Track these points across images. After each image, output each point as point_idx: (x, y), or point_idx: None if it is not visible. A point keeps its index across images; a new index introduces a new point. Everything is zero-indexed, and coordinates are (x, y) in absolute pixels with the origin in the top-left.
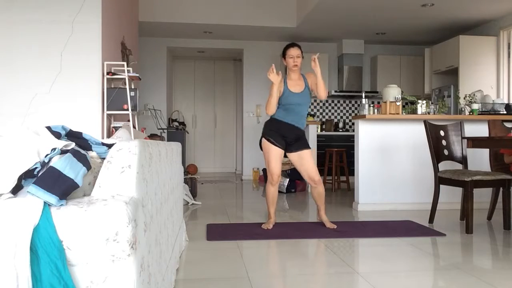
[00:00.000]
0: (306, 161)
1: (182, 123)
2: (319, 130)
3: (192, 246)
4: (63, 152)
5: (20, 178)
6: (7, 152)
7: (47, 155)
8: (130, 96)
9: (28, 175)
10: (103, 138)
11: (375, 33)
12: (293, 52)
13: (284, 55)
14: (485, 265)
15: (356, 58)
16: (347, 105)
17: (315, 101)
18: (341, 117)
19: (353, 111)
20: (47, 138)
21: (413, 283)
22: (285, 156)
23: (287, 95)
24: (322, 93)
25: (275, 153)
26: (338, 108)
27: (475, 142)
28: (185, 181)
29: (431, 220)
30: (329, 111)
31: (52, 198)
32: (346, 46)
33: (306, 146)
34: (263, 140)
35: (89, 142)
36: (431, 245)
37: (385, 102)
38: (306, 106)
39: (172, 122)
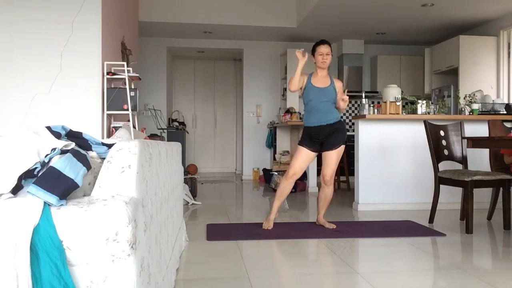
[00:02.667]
0: (327, 161)
1: (182, 123)
2: None
3: (192, 246)
4: (63, 152)
5: (20, 178)
6: (7, 152)
7: (47, 155)
8: (130, 96)
9: (28, 175)
10: (103, 138)
11: (375, 33)
12: (324, 49)
13: (313, 51)
14: (485, 265)
15: (356, 58)
16: (347, 105)
17: None
18: (341, 117)
19: (353, 111)
20: (47, 138)
21: (413, 283)
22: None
23: (309, 89)
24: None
25: (301, 152)
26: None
27: (475, 142)
28: (185, 181)
29: (431, 220)
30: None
31: (52, 198)
32: (346, 46)
33: (332, 147)
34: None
35: (89, 142)
36: (431, 245)
37: (385, 102)
38: (330, 101)
39: (172, 122)
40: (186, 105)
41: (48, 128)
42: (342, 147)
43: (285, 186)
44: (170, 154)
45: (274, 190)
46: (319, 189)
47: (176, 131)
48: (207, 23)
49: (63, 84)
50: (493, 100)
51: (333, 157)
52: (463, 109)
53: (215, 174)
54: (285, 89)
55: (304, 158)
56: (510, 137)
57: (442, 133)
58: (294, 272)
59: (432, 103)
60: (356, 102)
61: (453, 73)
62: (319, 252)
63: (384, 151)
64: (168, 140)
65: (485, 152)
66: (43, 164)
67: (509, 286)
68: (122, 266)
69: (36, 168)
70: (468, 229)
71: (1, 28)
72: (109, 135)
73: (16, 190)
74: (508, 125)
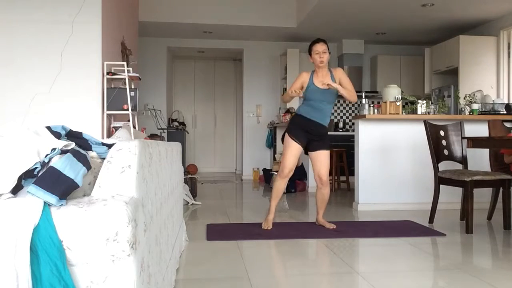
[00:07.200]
0: (320, 161)
1: (182, 123)
2: None
3: (192, 246)
4: (63, 152)
5: (20, 178)
6: (7, 152)
7: (47, 155)
8: (130, 96)
9: (28, 175)
10: (103, 138)
11: (375, 33)
12: (319, 47)
13: (310, 51)
14: (485, 265)
15: (356, 58)
16: (347, 105)
17: None
18: (341, 117)
19: (353, 111)
20: (47, 138)
21: (413, 283)
22: (306, 153)
23: (312, 90)
24: (350, 99)
25: (292, 148)
26: (338, 108)
27: (475, 142)
28: (185, 181)
29: (431, 220)
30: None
31: (52, 198)
32: (346, 46)
33: (325, 147)
34: (286, 134)
35: (89, 142)
36: (431, 245)
37: (385, 102)
38: (330, 104)
39: (172, 122)
40: (186, 105)
41: (48, 128)
42: None
43: (280, 184)
44: (170, 154)
45: None
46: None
47: (176, 131)
48: (207, 23)
49: (63, 84)
50: (493, 100)
51: (327, 157)
52: (463, 109)
53: (215, 174)
54: (285, 89)
55: (294, 152)
56: (510, 137)
57: (442, 133)
58: (294, 272)
59: (432, 103)
60: (356, 102)
61: (453, 73)
62: (319, 252)
63: (384, 151)
64: (168, 140)
65: (485, 152)
66: (43, 164)
67: (509, 286)
68: (122, 266)
69: (36, 168)
70: (468, 229)
71: (1, 28)
72: (109, 135)
73: (16, 190)
74: (508, 125)
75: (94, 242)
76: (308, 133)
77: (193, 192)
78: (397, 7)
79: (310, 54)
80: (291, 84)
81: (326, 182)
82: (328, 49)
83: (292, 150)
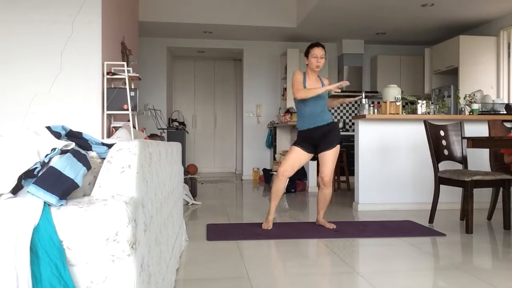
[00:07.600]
0: (324, 161)
1: (182, 123)
2: None
3: (192, 246)
4: (63, 152)
5: (20, 178)
6: (7, 152)
7: (47, 155)
8: (130, 96)
9: (28, 175)
10: (103, 138)
11: (375, 33)
12: (318, 52)
13: (307, 54)
14: (485, 265)
15: (356, 58)
16: (347, 105)
17: None
18: (341, 117)
19: (353, 111)
20: (47, 138)
21: (413, 283)
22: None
23: None
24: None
25: (293, 152)
26: (338, 108)
27: (475, 142)
28: (185, 181)
29: (431, 220)
30: (329, 111)
31: (52, 198)
32: (346, 46)
33: (329, 147)
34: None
35: (89, 142)
36: (431, 245)
37: (385, 102)
38: (322, 104)
39: (172, 122)
40: (186, 105)
41: (48, 128)
42: (338, 147)
43: (278, 185)
44: (170, 154)
45: None
46: (319, 189)
47: (176, 131)
48: (207, 23)
49: (63, 84)
50: (493, 100)
51: (330, 157)
52: (463, 109)
53: (215, 174)
54: (285, 89)
55: (295, 156)
56: (510, 137)
57: (442, 133)
58: (294, 272)
59: (432, 103)
60: (356, 102)
61: (453, 73)
62: (319, 252)
63: (384, 151)
64: (168, 140)
65: (485, 152)
66: (43, 164)
67: (509, 286)
68: (122, 266)
69: (36, 168)
70: (468, 229)
71: (1, 28)
72: (109, 135)
73: (16, 190)
74: (508, 125)
75: (94, 242)
76: (310, 139)
77: (193, 192)
78: (397, 7)
79: (306, 56)
80: (296, 82)
81: (328, 182)
82: (325, 54)
83: (294, 154)
